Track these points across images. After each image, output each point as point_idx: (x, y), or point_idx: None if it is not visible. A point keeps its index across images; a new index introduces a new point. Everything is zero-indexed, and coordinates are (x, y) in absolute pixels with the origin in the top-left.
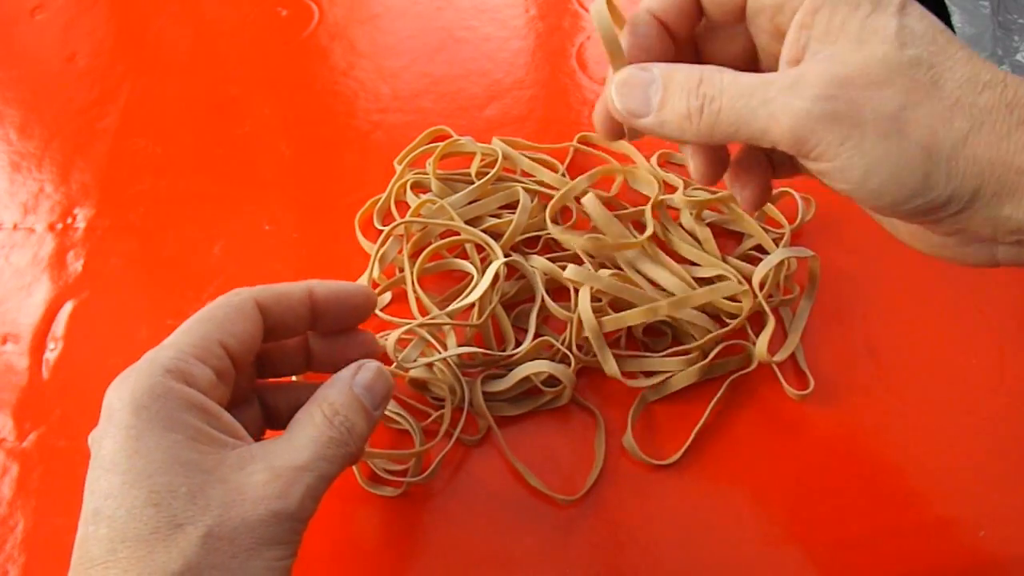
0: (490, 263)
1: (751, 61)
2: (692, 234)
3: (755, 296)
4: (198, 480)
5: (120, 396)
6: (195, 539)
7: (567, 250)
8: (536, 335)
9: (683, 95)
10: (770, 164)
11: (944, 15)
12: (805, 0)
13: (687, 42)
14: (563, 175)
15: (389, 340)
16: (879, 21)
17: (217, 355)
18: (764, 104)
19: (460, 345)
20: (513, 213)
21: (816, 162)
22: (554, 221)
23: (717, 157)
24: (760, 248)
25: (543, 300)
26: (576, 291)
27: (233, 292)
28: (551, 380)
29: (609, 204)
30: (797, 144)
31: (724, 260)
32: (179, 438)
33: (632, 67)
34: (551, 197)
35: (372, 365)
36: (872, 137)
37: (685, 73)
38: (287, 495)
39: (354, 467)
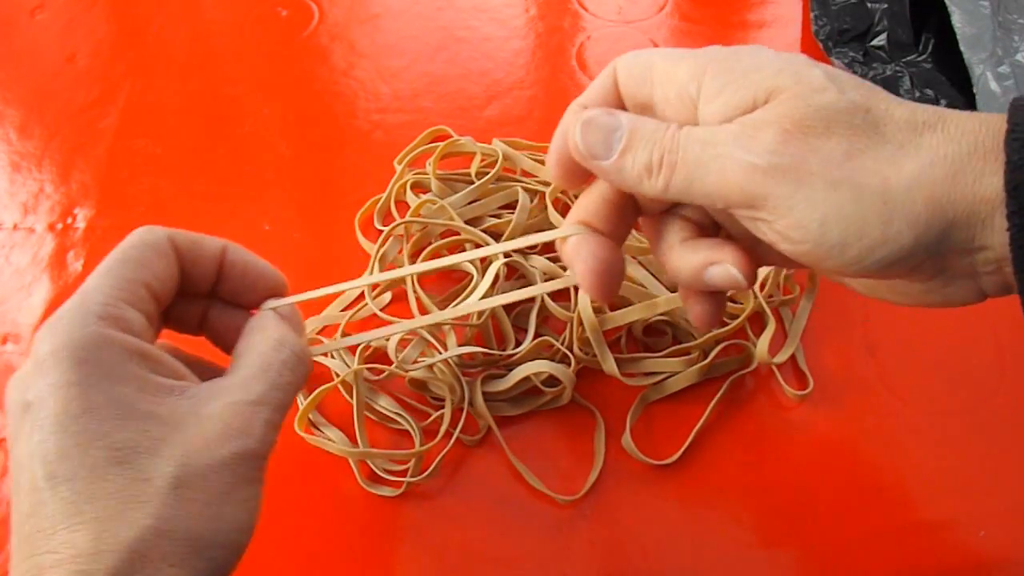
0: (490, 263)
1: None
2: None
3: (755, 296)
4: (156, 433)
5: (54, 347)
6: (164, 491)
7: None
8: (536, 335)
9: (647, 146)
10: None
11: (944, 15)
12: (704, 87)
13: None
14: None
15: (391, 341)
16: (802, 72)
17: (143, 298)
18: (715, 159)
19: (460, 345)
20: (513, 213)
21: (771, 221)
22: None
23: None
24: None
25: (543, 300)
26: (576, 291)
27: (146, 229)
28: (551, 380)
29: None
30: (748, 200)
31: None
32: (127, 390)
33: (599, 109)
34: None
35: (283, 301)
36: (822, 188)
37: (651, 124)
38: (249, 432)
39: (354, 467)
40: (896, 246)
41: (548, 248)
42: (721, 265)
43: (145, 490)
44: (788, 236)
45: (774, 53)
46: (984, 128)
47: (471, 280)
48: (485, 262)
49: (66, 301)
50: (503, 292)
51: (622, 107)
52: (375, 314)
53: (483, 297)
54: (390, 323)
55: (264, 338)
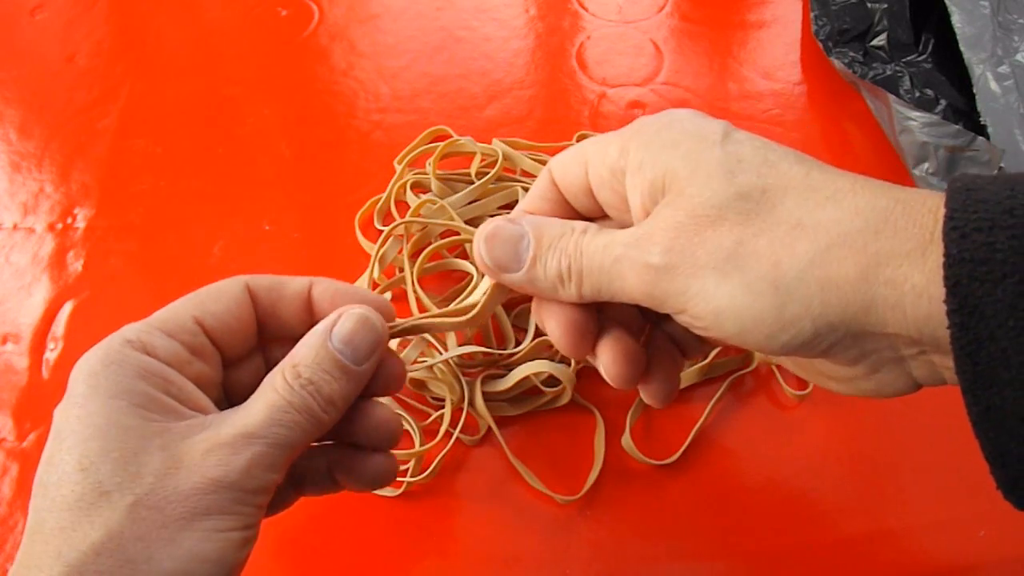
0: None
1: None
2: None
3: None
4: (132, 446)
5: (79, 367)
6: (120, 508)
7: None
8: (536, 335)
9: (555, 254)
10: (679, 351)
11: (944, 15)
12: (629, 159)
13: None
14: None
15: (391, 341)
16: (702, 155)
17: (189, 330)
18: (615, 264)
19: (460, 345)
20: None
21: (675, 315)
22: None
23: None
24: None
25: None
26: None
27: (229, 280)
28: (551, 380)
29: None
30: (649, 300)
31: None
32: (123, 404)
33: (500, 218)
34: None
35: (354, 312)
36: (713, 280)
37: (556, 229)
38: (228, 463)
39: None
40: (795, 331)
41: None
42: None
43: (101, 504)
44: (692, 324)
45: (693, 125)
46: (899, 206)
47: (471, 280)
48: None
49: None
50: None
51: (565, 205)
52: None
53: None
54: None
55: (282, 371)
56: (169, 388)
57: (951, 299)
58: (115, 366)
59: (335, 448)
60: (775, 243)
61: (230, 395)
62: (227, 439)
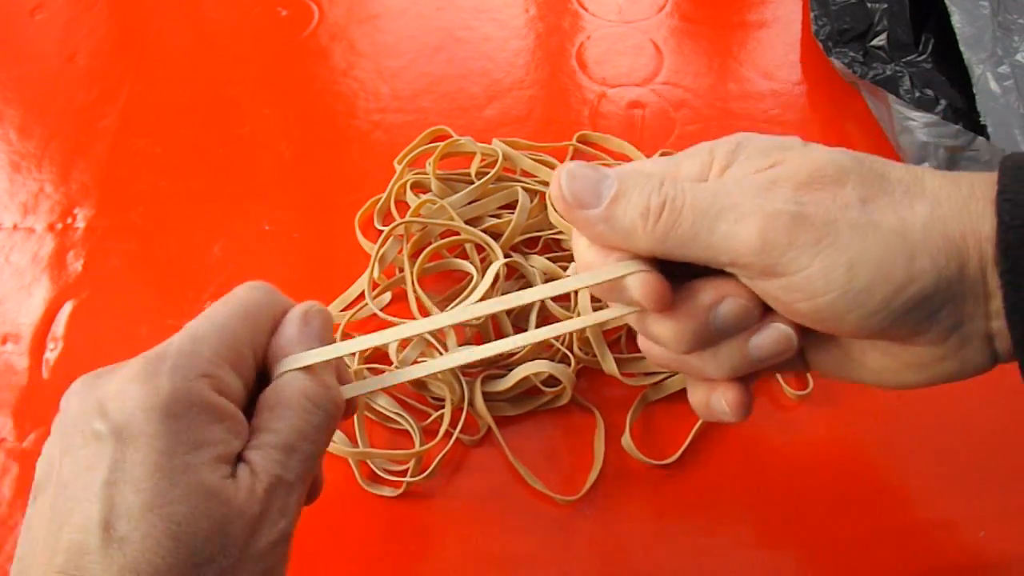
0: (490, 263)
1: None
2: None
3: None
4: (218, 514)
5: (148, 394)
6: None
7: (567, 250)
8: None
9: (643, 192)
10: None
11: (944, 15)
12: (715, 163)
13: None
14: None
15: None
16: (798, 149)
17: (248, 364)
18: (732, 207)
19: (460, 345)
20: (513, 213)
21: (789, 274)
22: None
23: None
24: None
25: (543, 300)
26: (576, 291)
27: (271, 289)
28: (551, 380)
29: None
30: (765, 250)
31: None
32: (205, 459)
33: (581, 164)
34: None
35: (315, 310)
36: (847, 232)
37: (644, 174)
38: (286, 513)
39: (354, 467)
40: (920, 284)
41: (548, 248)
42: (768, 330)
43: (190, 575)
44: (809, 288)
45: (765, 138)
46: (974, 177)
47: (471, 280)
48: (485, 263)
49: (176, 339)
50: (502, 292)
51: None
52: (375, 314)
53: (483, 296)
54: (390, 323)
55: (297, 408)
56: (238, 430)
57: (1003, 261)
58: (196, 410)
59: None
60: (895, 203)
61: None
62: (280, 493)
